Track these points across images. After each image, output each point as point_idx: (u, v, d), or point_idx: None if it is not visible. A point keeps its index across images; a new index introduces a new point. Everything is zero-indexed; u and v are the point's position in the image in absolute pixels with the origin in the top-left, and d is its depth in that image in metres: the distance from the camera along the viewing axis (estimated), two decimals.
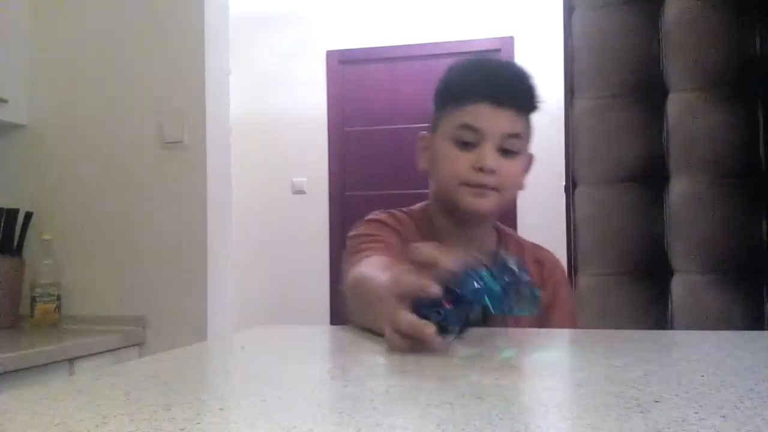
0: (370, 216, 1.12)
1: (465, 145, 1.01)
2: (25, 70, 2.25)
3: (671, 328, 1.78)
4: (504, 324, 0.93)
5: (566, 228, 1.92)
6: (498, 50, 4.00)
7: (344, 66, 4.24)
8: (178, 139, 2.13)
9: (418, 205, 1.15)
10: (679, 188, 1.83)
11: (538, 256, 1.13)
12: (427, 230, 1.09)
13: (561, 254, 1.90)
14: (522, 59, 3.96)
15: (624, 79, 1.88)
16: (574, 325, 1.14)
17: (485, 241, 1.10)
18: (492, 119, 1.00)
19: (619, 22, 1.89)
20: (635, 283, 1.85)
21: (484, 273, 0.66)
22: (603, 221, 1.88)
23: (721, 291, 1.78)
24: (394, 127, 4.17)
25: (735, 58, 1.82)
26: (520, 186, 1.06)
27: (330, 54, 4.25)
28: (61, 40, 2.26)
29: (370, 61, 4.20)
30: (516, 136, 1.02)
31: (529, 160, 1.08)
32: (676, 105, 1.85)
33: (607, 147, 1.88)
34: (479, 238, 1.09)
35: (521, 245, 1.14)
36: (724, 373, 0.62)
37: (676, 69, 1.85)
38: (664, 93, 1.86)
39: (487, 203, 1.02)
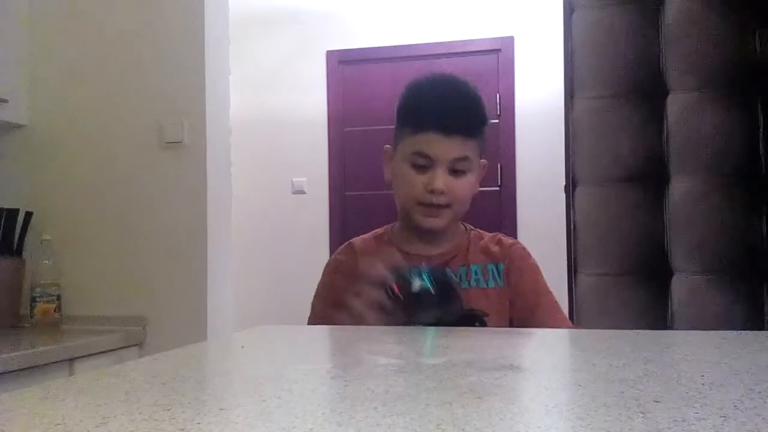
0: (338, 252, 1.28)
1: (419, 168, 1.14)
2: (25, 70, 2.25)
3: (671, 328, 1.78)
4: (467, 296, 1.09)
5: (566, 228, 1.92)
6: (498, 50, 4.00)
7: (344, 66, 4.24)
8: (178, 139, 2.13)
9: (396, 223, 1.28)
10: (679, 188, 1.83)
11: (498, 239, 1.24)
12: (403, 236, 1.23)
13: (561, 254, 1.92)
14: (522, 59, 3.97)
15: (624, 79, 1.88)
16: (546, 298, 1.19)
17: (453, 233, 1.22)
18: (441, 146, 1.12)
19: (619, 22, 1.89)
20: (635, 283, 1.85)
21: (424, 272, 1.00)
22: (603, 221, 1.88)
23: (721, 291, 1.78)
24: (394, 127, 4.15)
25: (735, 58, 1.82)
26: (471, 196, 1.18)
27: (330, 54, 4.25)
28: (61, 40, 2.26)
29: (370, 61, 4.19)
30: (464, 158, 1.13)
31: (482, 168, 1.20)
32: (676, 105, 1.85)
33: (607, 147, 1.88)
34: (446, 229, 1.20)
35: (482, 235, 1.25)
36: (724, 373, 0.62)
37: (676, 69, 1.85)
38: (664, 93, 1.86)
39: (439, 221, 1.16)
